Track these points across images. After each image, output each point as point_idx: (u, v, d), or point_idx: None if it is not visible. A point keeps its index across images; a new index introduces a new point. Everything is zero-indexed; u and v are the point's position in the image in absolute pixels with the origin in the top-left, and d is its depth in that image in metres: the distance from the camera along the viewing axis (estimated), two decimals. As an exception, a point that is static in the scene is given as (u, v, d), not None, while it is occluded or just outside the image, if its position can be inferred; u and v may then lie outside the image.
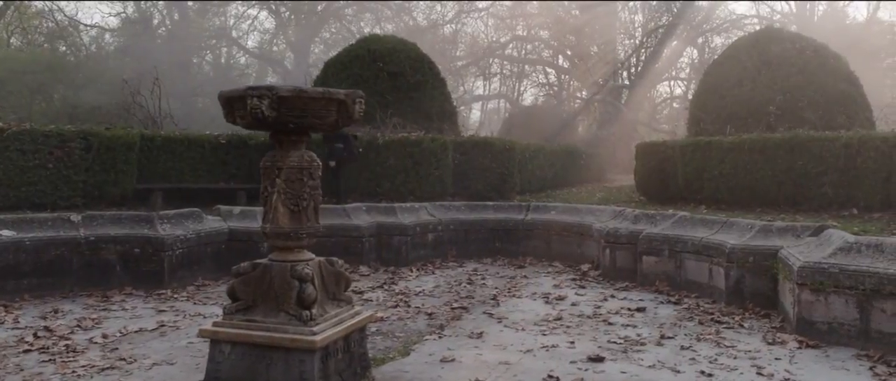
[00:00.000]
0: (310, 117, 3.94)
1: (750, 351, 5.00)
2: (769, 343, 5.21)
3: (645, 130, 30.49)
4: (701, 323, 5.82)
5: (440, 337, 5.35)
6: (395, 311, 6.22)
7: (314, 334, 3.81)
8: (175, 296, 6.76)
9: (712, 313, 6.11)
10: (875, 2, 34.26)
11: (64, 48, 31.05)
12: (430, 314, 6.08)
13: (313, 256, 4.19)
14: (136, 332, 5.43)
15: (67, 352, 4.83)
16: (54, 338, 5.17)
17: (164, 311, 6.14)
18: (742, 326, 5.73)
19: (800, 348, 5.09)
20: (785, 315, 5.78)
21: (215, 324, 4.05)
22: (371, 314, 4.42)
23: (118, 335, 5.33)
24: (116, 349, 4.96)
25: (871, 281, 5.03)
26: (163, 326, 5.61)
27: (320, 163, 4.19)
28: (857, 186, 8.96)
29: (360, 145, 11.21)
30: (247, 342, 3.92)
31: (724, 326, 5.72)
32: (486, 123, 36.22)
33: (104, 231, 7.02)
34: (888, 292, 4.94)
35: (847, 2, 38.10)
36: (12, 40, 31.25)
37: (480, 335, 5.38)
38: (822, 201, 9.24)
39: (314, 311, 3.91)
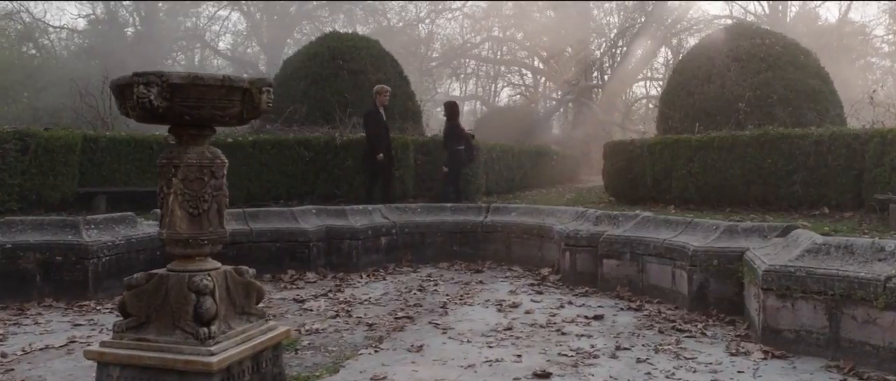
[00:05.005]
0: (209, 108, 3.48)
1: (711, 363, 4.59)
2: (732, 354, 4.81)
3: (619, 130, 30.25)
4: (661, 332, 5.41)
5: (376, 351, 4.89)
6: (333, 322, 5.76)
7: (212, 354, 3.35)
8: (98, 308, 6.24)
9: (674, 321, 5.71)
10: (847, 1, 34.33)
11: (33, 51, 30.32)
12: (370, 325, 5.62)
13: (218, 264, 3.72)
14: (41, 349, 4.92)
15: (-46, 375, 4.32)
16: (-55, 358, 4.66)
17: (80, 325, 5.63)
18: (705, 334, 5.33)
19: (765, 359, 4.69)
20: (750, 322, 5.39)
21: (103, 344, 3.57)
22: (286, 330, 3.95)
23: (19, 353, 4.81)
24: (12, 370, 4.45)
25: (841, 285, 4.65)
26: (73, 342, 5.09)
27: (225, 160, 3.72)
28: (828, 185, 8.64)
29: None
30: (137, 365, 3.44)
31: (686, 335, 5.31)
32: (461, 124, 35.80)
33: (23, 238, 6.49)
34: (859, 298, 4.56)
35: (819, 2, 38.10)
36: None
37: (420, 348, 4.93)
38: (793, 200, 8.92)
39: (214, 328, 3.44)
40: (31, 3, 30.18)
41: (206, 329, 3.41)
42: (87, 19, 33.18)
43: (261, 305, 3.89)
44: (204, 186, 3.59)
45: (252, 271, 3.86)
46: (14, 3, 28.44)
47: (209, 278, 3.49)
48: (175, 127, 3.64)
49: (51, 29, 32.26)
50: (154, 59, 31.20)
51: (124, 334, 3.54)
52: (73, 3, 39.62)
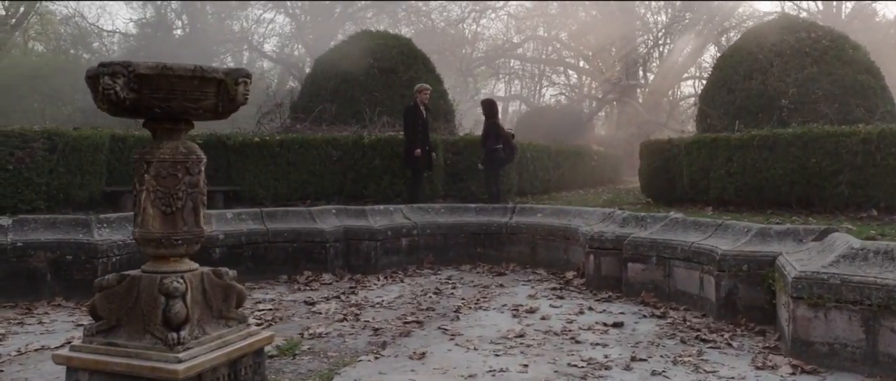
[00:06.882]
0: (180, 100, 3.30)
1: (733, 378, 4.23)
2: (758, 368, 4.43)
3: (664, 130, 29.52)
4: (683, 342, 5.05)
5: (377, 358, 4.65)
6: (339, 325, 5.54)
7: (179, 361, 3.16)
8: (106, 308, 6.14)
9: (699, 330, 5.33)
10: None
11: (86, 55, 31.04)
12: (376, 330, 5.39)
13: (195, 266, 3.53)
14: (36, 351, 4.82)
15: (-60, 377, 4.23)
16: (-64, 359, 4.58)
17: (83, 325, 5.47)
18: (730, 345, 4.95)
19: (794, 374, 4.31)
20: (781, 333, 4.99)
21: (72, 348, 3.42)
22: (269, 335, 3.74)
23: (14, 354, 4.72)
24: (1, 372, 4.34)
25: (880, 295, 4.24)
26: (70, 343, 4.96)
27: (202, 156, 3.53)
28: (877, 186, 8.11)
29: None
30: (105, 371, 3.28)
31: (709, 345, 4.95)
32: (504, 124, 35.46)
33: (34, 237, 6.44)
34: (899, 308, 4.15)
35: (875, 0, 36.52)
36: (37, 46, 31.49)
37: (423, 355, 4.68)
38: (838, 202, 8.40)
39: (184, 333, 3.25)
40: (85, 5, 30.94)
41: (175, 334, 3.23)
42: (137, 23, 33.86)
43: (242, 308, 3.69)
44: (178, 182, 3.41)
45: (232, 272, 3.67)
46: (70, 2, 29.17)
47: (181, 281, 3.30)
48: (148, 121, 3.48)
49: (104, 33, 33.06)
50: (199, 61, 31.57)
51: (94, 337, 3.39)
52: (124, 3, 40.45)
